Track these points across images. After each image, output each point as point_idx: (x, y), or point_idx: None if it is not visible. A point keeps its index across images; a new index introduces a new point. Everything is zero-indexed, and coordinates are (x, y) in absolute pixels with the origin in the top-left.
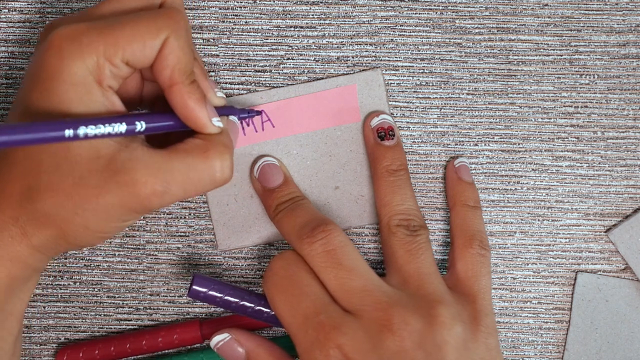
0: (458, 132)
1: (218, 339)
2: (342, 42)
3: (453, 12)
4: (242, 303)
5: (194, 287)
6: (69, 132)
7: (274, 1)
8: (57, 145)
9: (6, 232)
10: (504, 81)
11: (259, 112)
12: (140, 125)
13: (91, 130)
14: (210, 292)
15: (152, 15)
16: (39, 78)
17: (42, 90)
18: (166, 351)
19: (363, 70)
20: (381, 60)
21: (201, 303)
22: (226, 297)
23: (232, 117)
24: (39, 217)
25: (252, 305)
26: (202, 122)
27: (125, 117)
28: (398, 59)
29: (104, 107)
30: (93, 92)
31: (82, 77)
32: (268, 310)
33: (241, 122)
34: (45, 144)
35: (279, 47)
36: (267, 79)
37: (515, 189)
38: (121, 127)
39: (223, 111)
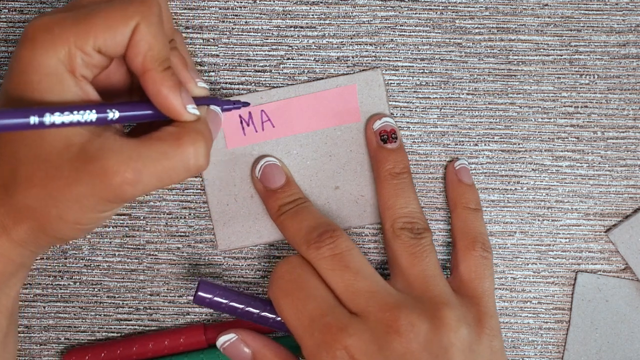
0: (458, 132)
1: (224, 339)
2: (342, 42)
3: (453, 12)
4: (247, 309)
5: (200, 293)
6: (34, 119)
7: (274, 1)
8: (32, 137)
9: None
10: (504, 81)
11: (247, 104)
12: (113, 114)
13: (58, 117)
14: (216, 298)
15: (123, 3)
16: (14, 70)
17: (17, 81)
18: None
19: (363, 70)
20: (381, 60)
21: None
22: (231, 303)
23: (213, 107)
24: (16, 210)
25: (257, 311)
26: (176, 109)
27: (97, 105)
28: (398, 59)
29: (77, 97)
30: (65, 82)
31: (54, 67)
32: (273, 316)
33: (241, 122)
34: (11, 131)
35: (279, 47)
36: (267, 79)
37: (515, 189)
38: (91, 115)
39: (205, 101)
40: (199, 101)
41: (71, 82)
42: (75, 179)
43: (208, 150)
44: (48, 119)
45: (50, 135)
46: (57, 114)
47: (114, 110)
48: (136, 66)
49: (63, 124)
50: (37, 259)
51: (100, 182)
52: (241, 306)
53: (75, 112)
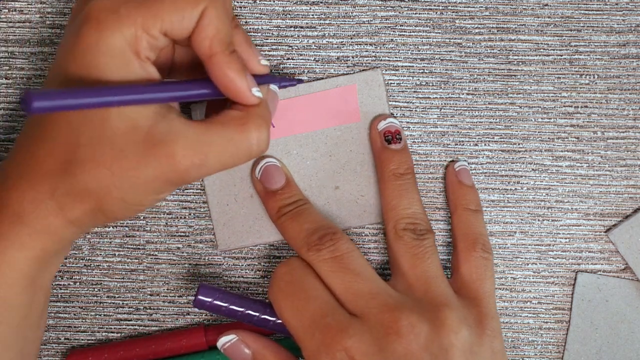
0: (458, 132)
1: (225, 340)
2: (342, 42)
3: (453, 12)
4: (247, 312)
5: (200, 297)
6: (112, 98)
7: (274, 1)
8: (95, 119)
9: (42, 205)
10: (504, 81)
11: (301, 80)
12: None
13: (129, 97)
14: (216, 302)
15: None
16: (77, 50)
17: (81, 62)
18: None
19: (363, 70)
20: (381, 60)
21: None
22: (231, 306)
23: (272, 86)
24: (76, 191)
25: (257, 313)
26: (241, 92)
27: (164, 84)
28: (398, 59)
29: (141, 79)
30: (131, 63)
31: (120, 49)
32: (274, 319)
33: None
34: (84, 109)
35: (279, 47)
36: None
37: (515, 189)
38: (159, 95)
39: (263, 80)
40: (258, 79)
41: (136, 64)
42: (142, 162)
43: (269, 133)
44: (121, 98)
45: (115, 117)
46: (127, 95)
47: (179, 91)
48: (203, 49)
49: (131, 102)
50: None
51: (167, 166)
52: (241, 309)
53: (144, 93)
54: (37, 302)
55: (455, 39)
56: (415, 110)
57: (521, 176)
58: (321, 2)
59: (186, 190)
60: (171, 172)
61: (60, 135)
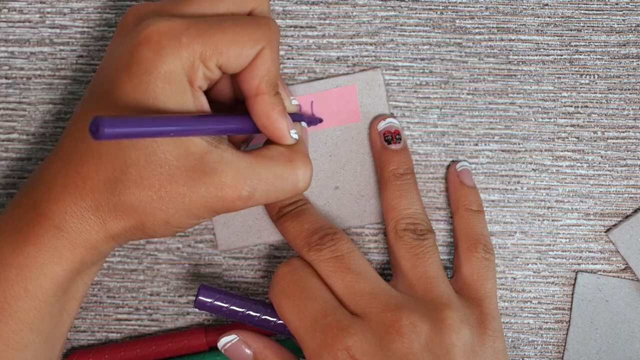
0: (458, 132)
1: (225, 340)
2: (342, 42)
3: (453, 12)
4: (248, 312)
5: (200, 297)
6: (173, 128)
7: (274, 1)
8: (145, 141)
9: (85, 220)
10: (504, 81)
11: (321, 120)
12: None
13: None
14: (217, 302)
15: (252, 24)
16: (133, 70)
17: (137, 83)
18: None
19: (363, 70)
20: (381, 60)
21: None
22: (232, 307)
23: (303, 123)
24: (120, 208)
25: (258, 314)
26: (282, 133)
27: (217, 117)
28: (398, 59)
29: (194, 108)
30: (186, 92)
31: (178, 75)
32: (274, 319)
33: None
34: (156, 137)
35: (279, 47)
36: None
37: (515, 189)
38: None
39: (293, 117)
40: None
41: (189, 93)
42: (190, 188)
43: (312, 170)
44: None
45: (168, 141)
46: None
47: (231, 124)
48: (249, 88)
49: (194, 133)
50: None
51: (215, 195)
52: (242, 310)
53: (205, 125)
54: (68, 312)
55: (455, 39)
56: (415, 110)
57: (521, 176)
58: (321, 2)
59: None
60: (218, 201)
61: (105, 153)
